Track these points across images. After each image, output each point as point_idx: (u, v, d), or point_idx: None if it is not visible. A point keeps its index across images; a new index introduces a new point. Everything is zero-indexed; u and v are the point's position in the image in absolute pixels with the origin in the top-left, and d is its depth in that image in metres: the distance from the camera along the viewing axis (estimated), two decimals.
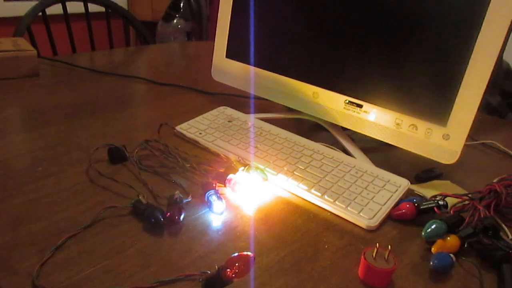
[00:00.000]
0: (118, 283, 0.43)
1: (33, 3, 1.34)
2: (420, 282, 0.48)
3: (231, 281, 0.42)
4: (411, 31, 0.64)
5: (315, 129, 0.84)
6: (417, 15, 0.63)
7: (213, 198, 0.55)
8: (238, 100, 0.96)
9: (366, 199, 0.60)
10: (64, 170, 0.61)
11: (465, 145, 0.62)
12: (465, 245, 0.53)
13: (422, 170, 0.71)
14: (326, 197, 0.60)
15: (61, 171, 0.61)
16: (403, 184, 0.64)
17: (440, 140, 0.64)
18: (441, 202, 0.58)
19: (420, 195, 0.64)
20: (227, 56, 0.87)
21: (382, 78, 0.68)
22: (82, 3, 1.45)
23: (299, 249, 0.51)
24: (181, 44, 1.73)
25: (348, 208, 0.58)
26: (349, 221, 0.57)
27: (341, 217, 0.58)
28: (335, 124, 0.76)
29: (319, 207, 0.60)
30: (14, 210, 0.52)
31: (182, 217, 0.52)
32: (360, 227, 0.56)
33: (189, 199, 0.57)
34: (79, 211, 0.53)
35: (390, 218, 0.59)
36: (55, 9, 1.40)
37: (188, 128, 0.75)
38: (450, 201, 0.59)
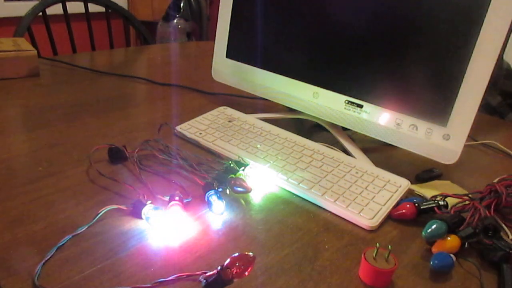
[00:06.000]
0: (118, 283, 0.43)
1: (33, 3, 1.34)
2: (420, 282, 0.48)
3: (232, 281, 0.42)
4: (411, 31, 0.63)
5: (315, 129, 0.84)
6: (417, 15, 0.63)
7: (213, 198, 0.55)
8: (238, 100, 0.96)
9: (366, 199, 0.60)
10: (64, 170, 0.61)
11: (465, 145, 0.62)
12: (465, 245, 0.53)
13: (422, 170, 0.71)
14: (326, 197, 0.60)
15: (61, 171, 0.61)
16: (404, 184, 0.64)
17: (440, 140, 0.64)
18: (441, 202, 0.58)
19: (420, 195, 0.64)
20: (227, 56, 0.87)
21: (382, 78, 0.68)
22: (82, 3, 1.45)
23: (299, 249, 0.51)
24: (181, 44, 1.73)
25: (349, 208, 0.58)
26: (349, 221, 0.57)
27: (341, 217, 0.58)
28: (335, 124, 0.76)
29: (319, 207, 0.60)
30: (14, 210, 0.52)
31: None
32: (361, 227, 0.56)
33: (189, 199, 0.57)
34: (79, 211, 0.53)
35: (390, 218, 0.59)
36: (55, 9, 1.40)
37: (188, 128, 0.75)
38: (450, 201, 0.59)
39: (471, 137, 0.87)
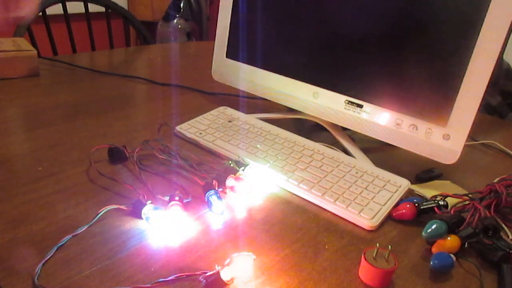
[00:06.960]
0: (118, 283, 0.43)
1: None
2: (420, 282, 0.48)
3: (231, 281, 0.42)
4: (411, 31, 0.63)
5: (315, 129, 0.84)
6: (417, 15, 0.63)
7: (213, 198, 0.55)
8: (238, 100, 0.96)
9: (366, 199, 0.60)
10: (64, 170, 0.61)
11: (465, 145, 0.62)
12: (465, 245, 0.53)
13: (422, 170, 0.71)
14: (326, 197, 0.60)
15: (61, 171, 0.61)
16: (403, 184, 0.64)
17: (440, 140, 0.64)
18: (441, 202, 0.58)
19: (420, 195, 0.64)
20: (227, 56, 0.87)
21: (382, 78, 0.68)
22: (82, 3, 1.45)
23: (299, 249, 0.51)
24: (181, 44, 1.73)
25: (349, 208, 0.58)
26: (350, 221, 0.57)
27: (341, 217, 0.58)
28: (335, 124, 0.76)
29: (319, 207, 0.60)
30: (14, 210, 0.52)
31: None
32: (361, 227, 0.56)
33: (189, 199, 0.57)
34: (79, 211, 0.53)
35: (390, 218, 0.59)
36: (55, 9, 1.40)
37: (188, 128, 0.75)
38: (450, 201, 0.59)
39: (471, 137, 0.87)
